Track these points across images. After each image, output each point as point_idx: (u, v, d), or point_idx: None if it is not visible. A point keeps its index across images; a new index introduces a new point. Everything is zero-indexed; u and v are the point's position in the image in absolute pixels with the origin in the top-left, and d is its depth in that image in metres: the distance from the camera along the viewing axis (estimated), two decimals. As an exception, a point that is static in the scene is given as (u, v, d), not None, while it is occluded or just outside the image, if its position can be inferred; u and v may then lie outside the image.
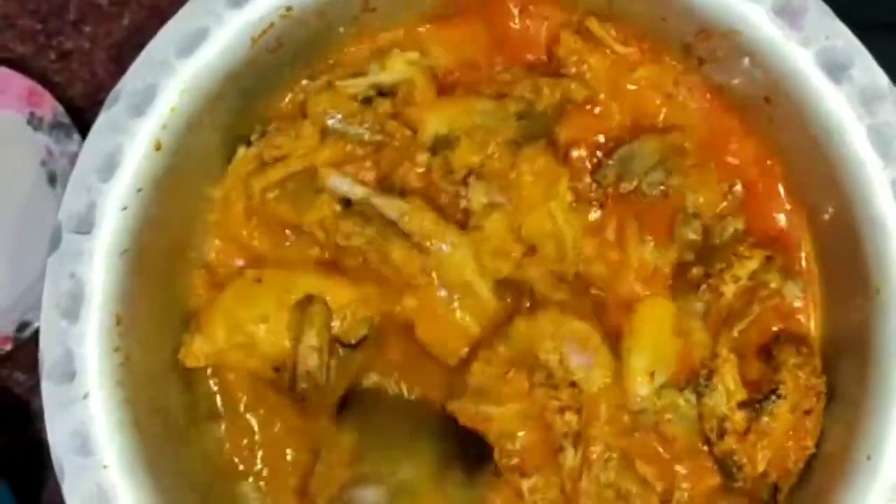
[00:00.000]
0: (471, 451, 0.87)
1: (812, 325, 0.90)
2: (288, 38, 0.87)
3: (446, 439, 0.87)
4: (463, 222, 0.88)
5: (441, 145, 0.90)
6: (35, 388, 1.05)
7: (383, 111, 0.91)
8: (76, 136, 1.07)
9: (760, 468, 0.84)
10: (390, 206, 0.88)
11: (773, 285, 0.87)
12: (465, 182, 0.89)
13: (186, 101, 0.84)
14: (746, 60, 0.84)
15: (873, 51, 0.80)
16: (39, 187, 1.09)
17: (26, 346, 1.05)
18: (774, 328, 0.87)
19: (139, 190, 0.83)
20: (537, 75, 0.92)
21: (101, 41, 1.14)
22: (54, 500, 1.02)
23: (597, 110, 0.92)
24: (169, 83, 0.83)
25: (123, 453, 0.81)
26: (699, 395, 0.85)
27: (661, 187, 0.90)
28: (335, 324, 0.88)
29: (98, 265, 0.82)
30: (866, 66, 0.80)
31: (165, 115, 0.83)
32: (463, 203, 0.88)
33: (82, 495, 0.79)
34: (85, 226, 0.82)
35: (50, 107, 1.07)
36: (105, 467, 0.80)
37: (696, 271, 0.87)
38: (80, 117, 1.09)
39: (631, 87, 0.92)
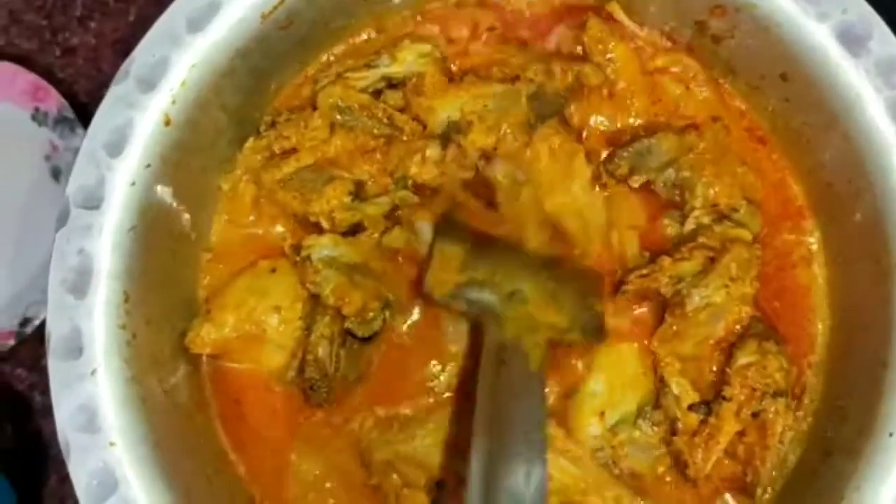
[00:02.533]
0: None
1: (820, 308, 0.89)
2: (298, 15, 0.87)
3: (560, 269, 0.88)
4: (490, 199, 0.88)
5: (453, 131, 0.90)
6: (37, 385, 1.05)
7: (393, 104, 0.91)
8: (80, 131, 1.06)
9: (707, 467, 0.84)
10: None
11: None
12: (484, 159, 0.88)
13: (196, 76, 0.83)
14: (762, 35, 0.83)
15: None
16: (43, 182, 1.08)
17: (28, 343, 1.04)
18: (739, 326, 0.86)
19: (147, 166, 0.82)
20: (550, 58, 0.91)
21: (106, 37, 1.13)
22: (55, 497, 1.02)
23: (614, 98, 0.91)
24: (180, 58, 0.83)
25: (130, 431, 0.80)
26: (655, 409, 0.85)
27: (675, 188, 0.89)
28: (350, 320, 0.87)
29: (106, 241, 0.81)
30: (884, 38, 0.80)
31: (175, 89, 0.82)
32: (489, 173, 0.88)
33: (88, 472, 0.78)
34: (93, 200, 0.81)
35: (55, 102, 1.07)
36: (112, 444, 0.79)
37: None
38: (85, 113, 1.08)
39: (651, 77, 0.92)
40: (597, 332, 0.85)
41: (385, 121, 0.90)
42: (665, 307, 0.85)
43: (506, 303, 0.83)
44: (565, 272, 0.86)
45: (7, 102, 1.08)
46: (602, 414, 0.84)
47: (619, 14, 0.89)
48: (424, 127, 0.89)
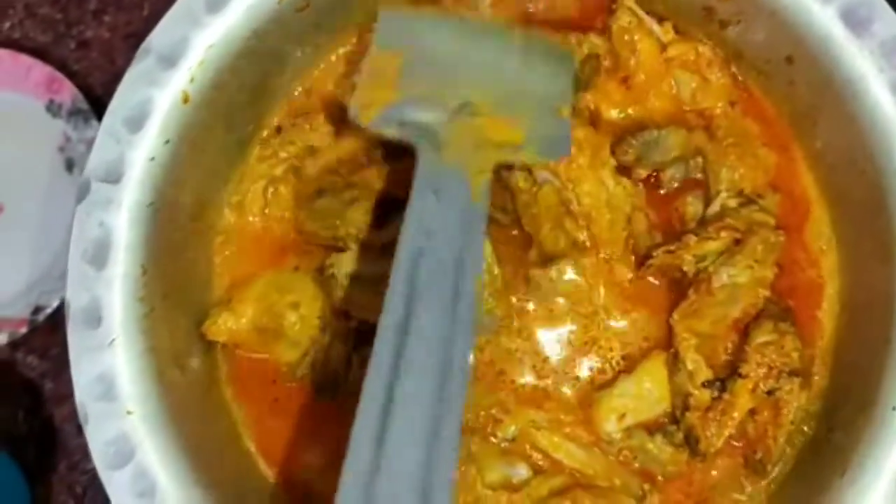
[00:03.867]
0: None
1: (829, 292, 0.90)
2: (314, -2, 0.86)
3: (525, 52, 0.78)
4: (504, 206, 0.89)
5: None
6: (48, 373, 1.06)
7: None
8: (94, 123, 1.07)
9: (719, 443, 0.84)
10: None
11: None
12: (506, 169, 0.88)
13: (214, 56, 0.85)
14: (768, 19, 0.85)
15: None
16: (57, 173, 1.10)
17: (40, 331, 1.05)
18: (755, 308, 0.86)
19: (167, 142, 0.84)
20: (566, 30, 0.92)
21: (120, 30, 1.15)
22: (64, 484, 1.04)
23: (631, 89, 0.93)
24: (199, 37, 0.84)
25: (147, 401, 0.81)
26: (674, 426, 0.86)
27: (676, 185, 0.91)
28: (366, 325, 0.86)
29: (125, 215, 0.82)
30: (888, 20, 0.81)
31: (194, 68, 0.84)
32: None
33: (105, 440, 0.79)
34: (113, 175, 0.82)
35: (69, 93, 1.08)
36: (129, 413, 0.80)
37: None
38: (99, 105, 1.09)
39: (667, 68, 0.93)
40: (559, 145, 0.78)
41: None
42: (689, 284, 0.86)
43: (451, 119, 0.73)
44: (531, 57, 0.77)
45: (22, 94, 1.09)
46: (623, 416, 0.85)
47: (635, 7, 0.91)
48: None
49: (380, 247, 0.87)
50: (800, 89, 0.87)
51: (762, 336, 0.84)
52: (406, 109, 0.73)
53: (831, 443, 0.83)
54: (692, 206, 0.90)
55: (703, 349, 0.85)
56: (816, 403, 0.87)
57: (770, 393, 0.84)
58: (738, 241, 0.86)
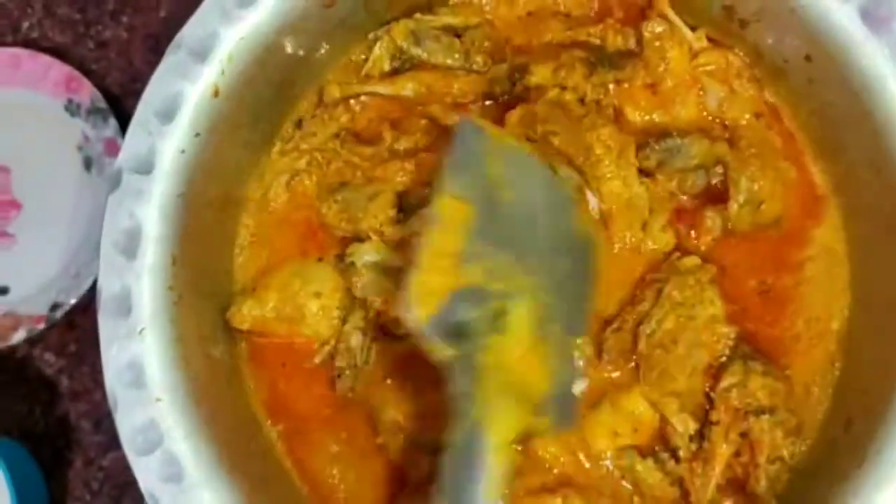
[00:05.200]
0: None
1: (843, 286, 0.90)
2: (341, -6, 0.88)
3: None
4: None
5: (517, 71, 0.92)
6: (64, 370, 1.07)
7: (469, 40, 0.94)
8: (112, 122, 1.08)
9: (708, 494, 0.84)
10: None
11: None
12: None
13: (243, 49, 0.86)
14: (787, 17, 0.86)
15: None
16: (75, 172, 1.11)
17: (57, 328, 1.06)
18: (723, 347, 0.86)
19: (197, 135, 0.85)
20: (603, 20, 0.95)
21: (138, 31, 1.16)
22: (80, 480, 1.04)
23: (658, 95, 0.94)
24: (229, 32, 0.85)
25: (175, 388, 0.82)
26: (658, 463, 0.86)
27: (696, 192, 0.91)
28: (387, 316, 0.88)
29: (156, 205, 0.83)
30: (908, 19, 0.80)
31: (224, 62, 0.85)
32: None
33: (134, 427, 0.80)
34: (145, 166, 0.83)
35: (88, 93, 1.09)
36: (158, 400, 0.81)
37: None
38: (117, 105, 1.11)
39: (695, 76, 0.94)
40: (568, 416, 0.77)
41: (457, 56, 0.93)
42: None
43: (486, 334, 0.68)
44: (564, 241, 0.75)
45: (41, 93, 1.10)
46: (616, 434, 0.85)
47: (672, 14, 0.92)
48: (493, 62, 0.93)
49: (398, 240, 0.88)
50: (818, 87, 0.88)
51: (728, 379, 0.84)
52: (458, 308, 0.67)
53: (849, 434, 0.83)
54: (711, 219, 0.90)
55: (687, 405, 0.85)
56: (830, 397, 0.87)
57: (743, 435, 0.84)
58: (660, 293, 0.86)
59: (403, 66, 0.95)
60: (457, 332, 0.66)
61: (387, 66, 0.95)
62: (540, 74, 0.91)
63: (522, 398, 0.69)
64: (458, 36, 0.94)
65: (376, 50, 0.94)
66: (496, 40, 0.95)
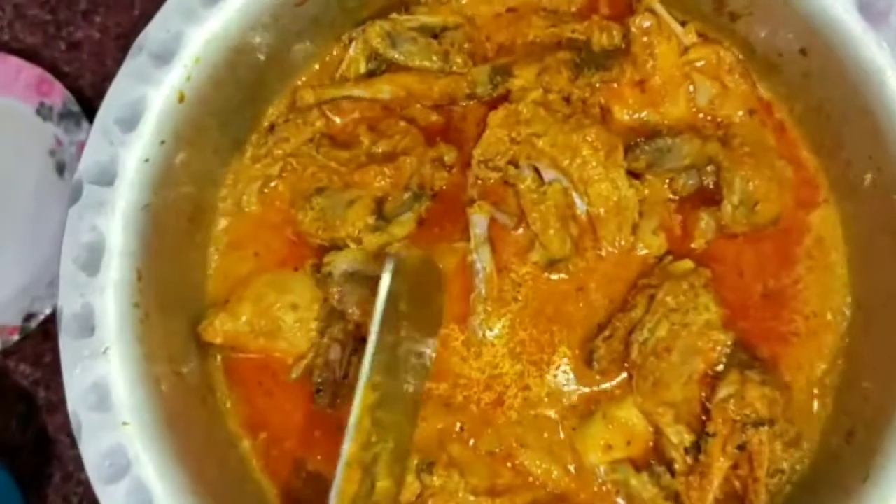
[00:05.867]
0: None
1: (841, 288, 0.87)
2: (312, -8, 0.84)
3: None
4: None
5: (499, 73, 0.90)
6: (40, 381, 1.04)
7: (448, 41, 0.91)
8: (86, 125, 1.05)
9: None
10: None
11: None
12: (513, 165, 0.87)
13: (211, 51, 0.83)
14: (781, 9, 0.83)
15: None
16: (48, 177, 1.08)
17: (33, 338, 1.03)
18: (719, 355, 0.84)
19: (162, 142, 0.81)
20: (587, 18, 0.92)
21: (111, 31, 1.13)
22: (59, 495, 1.02)
23: (646, 92, 0.91)
24: (195, 32, 0.82)
25: (143, 411, 0.78)
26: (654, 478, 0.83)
27: (688, 193, 0.89)
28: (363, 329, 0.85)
29: (119, 218, 0.80)
30: (906, 11, 0.77)
31: (190, 65, 0.82)
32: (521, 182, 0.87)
33: (100, 452, 0.76)
34: (107, 176, 0.80)
35: (60, 96, 1.06)
36: (124, 424, 0.77)
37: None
38: (90, 107, 1.07)
39: (685, 72, 0.91)
40: None
41: (433, 57, 0.90)
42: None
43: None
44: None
45: (11, 97, 1.07)
46: (609, 447, 0.83)
47: (659, 8, 0.89)
48: (474, 63, 0.89)
49: (377, 249, 0.86)
50: (814, 82, 0.85)
51: (724, 389, 0.81)
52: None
53: (851, 445, 0.81)
54: (704, 221, 0.87)
55: (683, 416, 0.82)
56: (829, 408, 0.85)
57: (741, 448, 0.81)
58: (652, 298, 0.83)
59: (380, 67, 0.91)
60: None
61: (363, 68, 0.91)
62: (524, 77, 0.88)
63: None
64: (436, 37, 0.91)
65: (351, 51, 0.91)
66: (477, 40, 0.92)
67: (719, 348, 0.83)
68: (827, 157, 0.87)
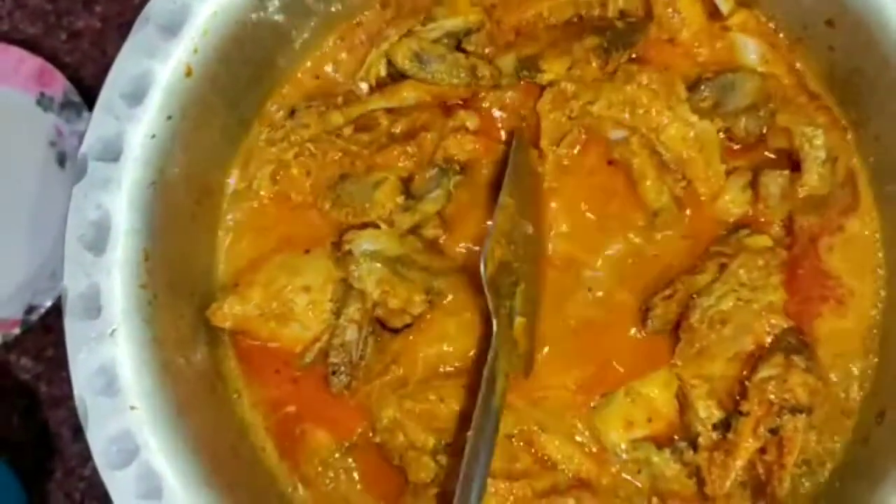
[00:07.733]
0: None
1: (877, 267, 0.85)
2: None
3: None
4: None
5: (524, 68, 0.87)
6: (42, 376, 1.02)
7: (473, 52, 0.88)
8: (86, 115, 1.03)
9: (726, 486, 0.79)
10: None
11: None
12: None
13: (219, 24, 0.80)
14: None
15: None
16: (49, 168, 1.06)
17: (33, 332, 1.01)
18: (770, 338, 0.81)
19: (168, 118, 0.79)
20: None
21: (112, 20, 1.11)
22: (61, 490, 1.00)
23: (678, 46, 0.89)
24: (202, 5, 0.79)
25: (152, 394, 0.75)
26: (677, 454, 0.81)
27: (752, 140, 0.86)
28: (382, 308, 0.83)
29: (125, 196, 0.78)
30: (942, -22, 0.75)
31: (197, 38, 0.80)
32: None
33: (107, 438, 0.73)
34: (112, 153, 0.77)
35: (60, 86, 1.04)
36: (132, 408, 0.75)
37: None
38: (91, 97, 1.02)
39: (721, 32, 0.89)
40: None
41: (459, 72, 0.87)
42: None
43: (508, 294, 0.81)
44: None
45: (11, 88, 1.06)
46: (630, 424, 0.81)
47: None
48: (500, 72, 0.87)
49: (407, 228, 0.84)
50: (842, 54, 0.82)
51: (766, 370, 0.79)
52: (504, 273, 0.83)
53: (882, 427, 0.79)
54: (767, 187, 0.84)
55: (717, 392, 0.80)
56: (865, 390, 0.82)
57: (774, 432, 0.78)
58: (723, 267, 0.81)
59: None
60: (496, 289, 0.79)
61: (383, 72, 0.89)
62: (553, 72, 0.86)
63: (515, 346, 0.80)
64: (460, 47, 0.89)
65: (371, 55, 0.89)
66: (494, 35, 0.90)
67: (773, 333, 0.80)
68: (857, 132, 0.85)
